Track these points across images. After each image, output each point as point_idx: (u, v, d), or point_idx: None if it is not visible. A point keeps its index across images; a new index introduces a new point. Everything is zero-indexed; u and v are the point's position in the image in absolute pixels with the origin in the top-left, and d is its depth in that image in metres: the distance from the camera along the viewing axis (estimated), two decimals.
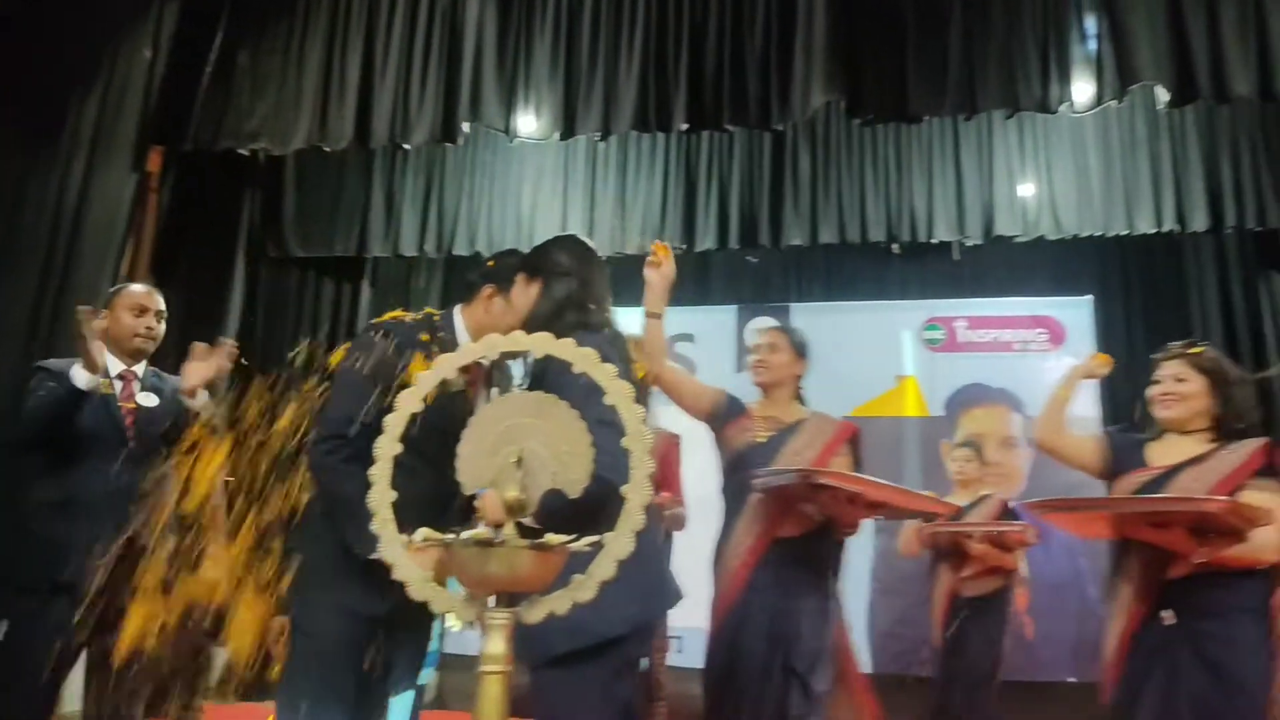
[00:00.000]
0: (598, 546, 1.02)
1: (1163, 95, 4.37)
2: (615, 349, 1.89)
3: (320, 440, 1.97)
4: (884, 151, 5.93)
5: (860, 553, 5.42)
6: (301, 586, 2.06)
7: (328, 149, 5.08)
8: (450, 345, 2.02)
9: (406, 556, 1.04)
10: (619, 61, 4.87)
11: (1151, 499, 2.28)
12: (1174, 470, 2.37)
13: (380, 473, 1.04)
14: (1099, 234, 5.76)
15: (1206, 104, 4.69)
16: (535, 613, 1.03)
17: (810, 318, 5.89)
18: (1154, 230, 5.68)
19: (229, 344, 2.87)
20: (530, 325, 1.92)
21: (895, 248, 6.23)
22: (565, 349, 1.06)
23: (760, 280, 6.83)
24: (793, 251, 6.38)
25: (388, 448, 1.05)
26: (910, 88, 4.47)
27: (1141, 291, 6.50)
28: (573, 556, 1.04)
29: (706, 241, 6.10)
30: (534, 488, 1.06)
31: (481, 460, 1.07)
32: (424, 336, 2.03)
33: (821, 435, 2.95)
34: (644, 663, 3.23)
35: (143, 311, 2.95)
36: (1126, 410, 6.21)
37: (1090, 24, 4.42)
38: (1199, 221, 5.61)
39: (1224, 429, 2.41)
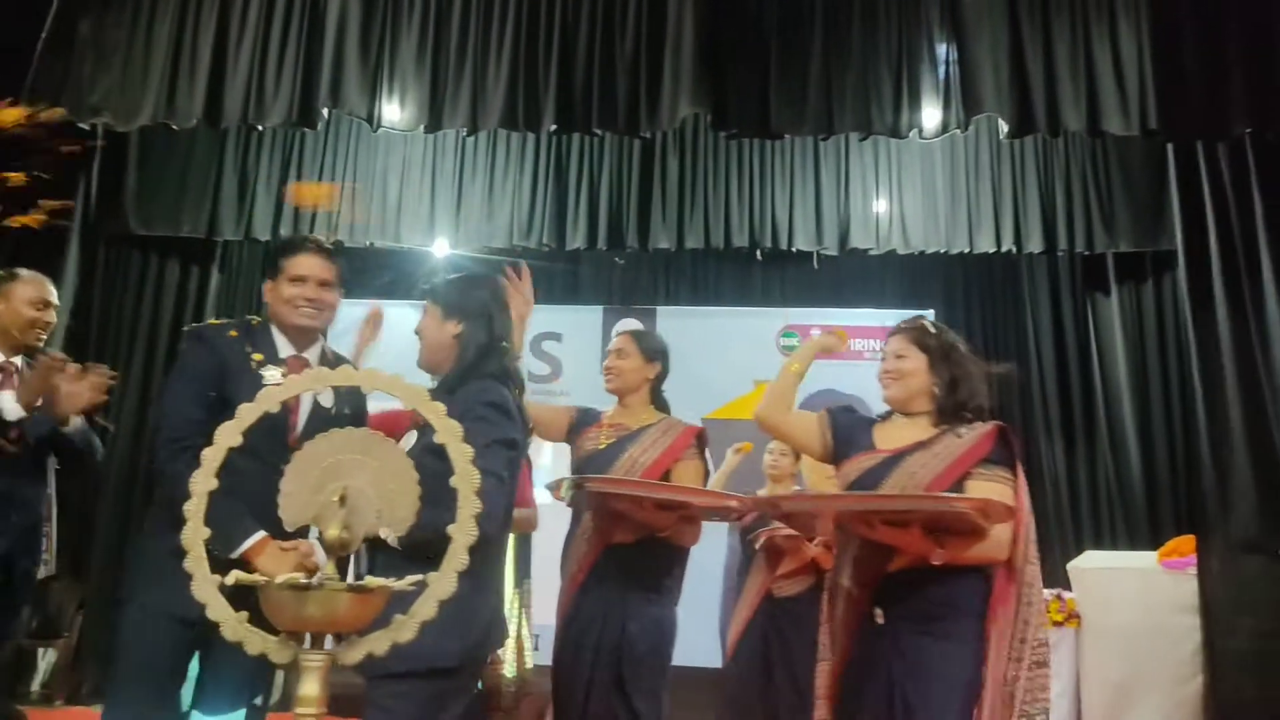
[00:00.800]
0: (421, 586, 1.03)
1: (1004, 126, 4.65)
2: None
3: (163, 445, 2.01)
4: (749, 162, 6.10)
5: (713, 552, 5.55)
6: (128, 592, 2.01)
7: (175, 127, 4.83)
8: (269, 354, 2.07)
9: (218, 597, 1.02)
10: (488, 57, 4.81)
11: (899, 497, 2.11)
12: (900, 455, 2.18)
13: (195, 509, 1.01)
14: (944, 250, 6.11)
15: (1043, 135, 4.99)
16: (353, 654, 1.03)
17: (675, 321, 6.00)
18: (994, 249, 6.06)
19: (104, 371, 2.70)
20: (458, 368, 1.94)
21: (759, 255, 6.43)
22: (396, 386, 1.05)
23: (628, 282, 6.90)
24: (660, 255, 6.48)
25: (203, 483, 1.02)
26: (773, 106, 4.60)
27: (981, 306, 6.90)
28: (396, 596, 1.04)
29: (575, 241, 6.13)
30: (358, 525, 1.06)
31: (305, 496, 1.06)
32: (248, 348, 2.10)
33: (664, 440, 2.89)
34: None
35: (44, 305, 2.82)
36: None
37: (940, 56, 4.66)
38: (1034, 243, 6.03)
39: (946, 412, 2.22)
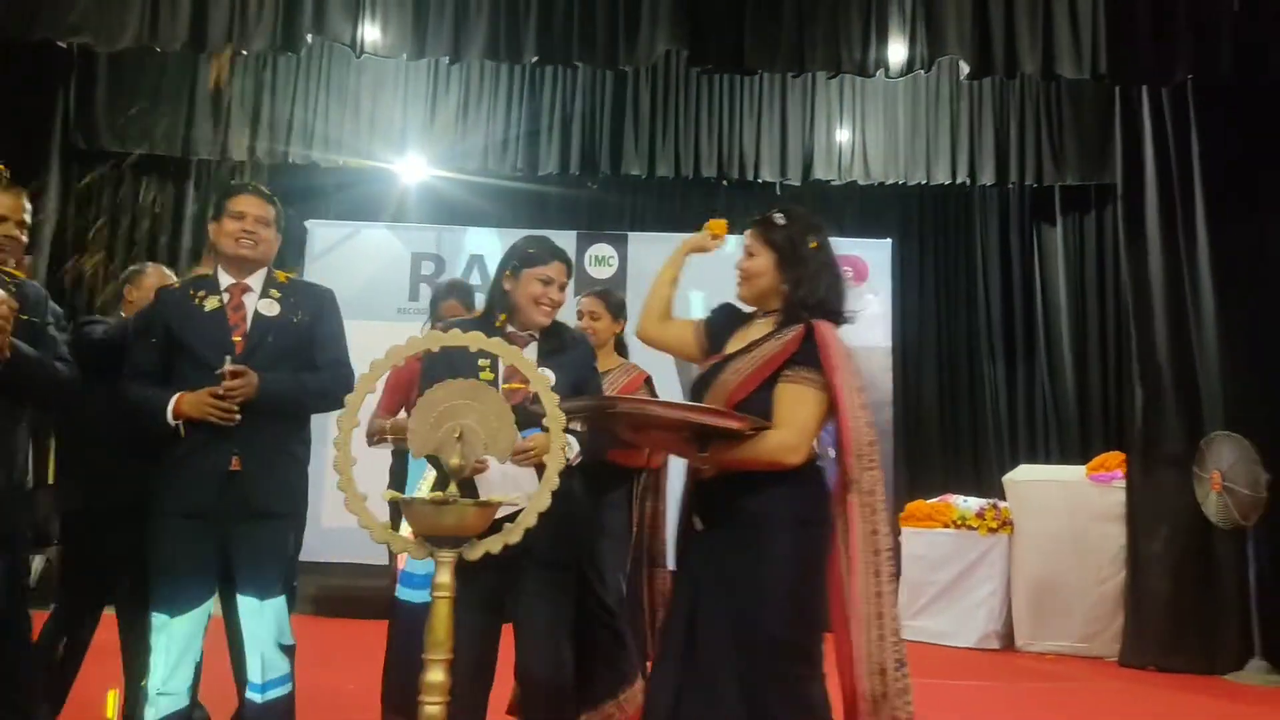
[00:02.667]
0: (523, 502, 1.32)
1: (964, 67, 4.89)
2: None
3: (122, 378, 2.42)
4: (718, 94, 6.29)
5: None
6: (145, 502, 2.34)
7: (158, 49, 4.86)
8: (211, 288, 2.43)
9: (365, 508, 1.31)
10: None
11: (608, 398, 2.18)
12: (731, 358, 2.07)
13: (344, 440, 1.29)
14: (902, 182, 6.41)
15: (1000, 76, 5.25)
16: (474, 552, 1.32)
17: (645, 246, 6.20)
18: (949, 181, 6.39)
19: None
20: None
21: (725, 183, 6.66)
22: (500, 347, 1.33)
23: (599, 207, 7.06)
24: (630, 182, 6.68)
25: (348, 421, 1.30)
26: (746, 44, 4.78)
27: (934, 236, 7.24)
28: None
29: (548, 166, 6.30)
30: (470, 455, 1.34)
31: (426, 433, 1.34)
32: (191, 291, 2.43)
33: (617, 383, 3.14)
34: None
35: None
36: (931, 339, 7.09)
37: None
38: (987, 176, 6.36)
39: (791, 311, 2.06)
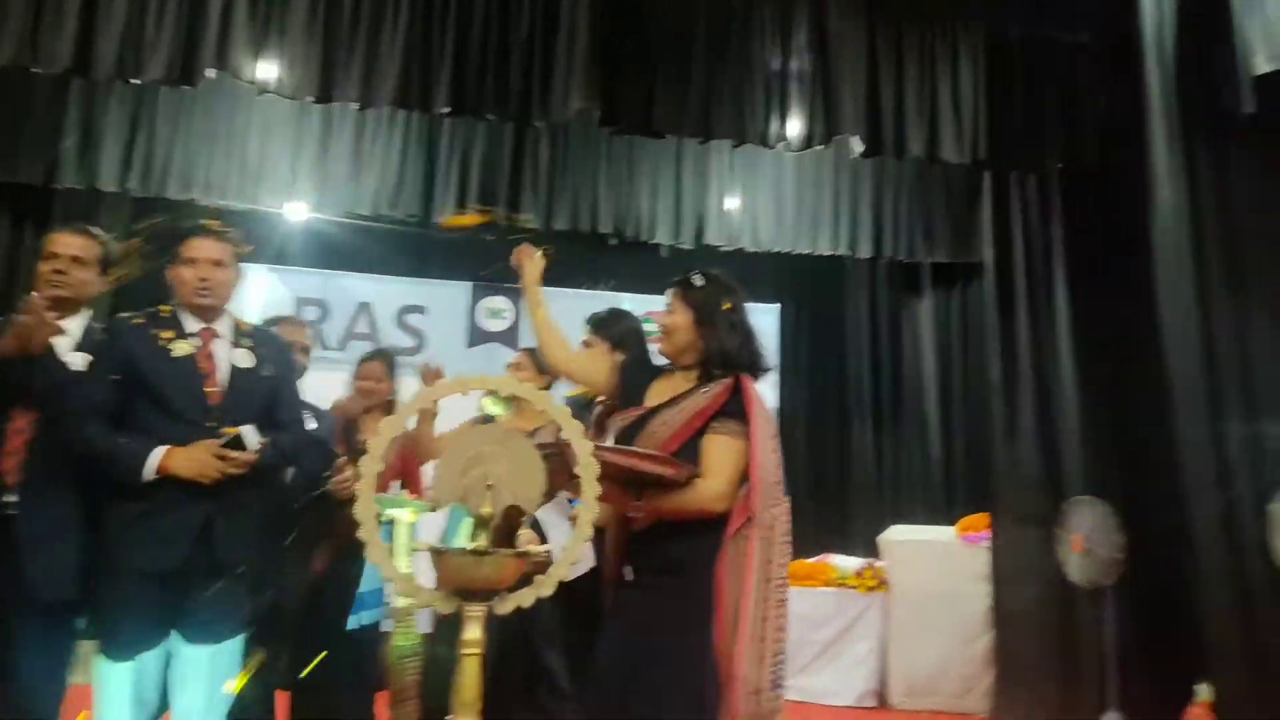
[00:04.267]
0: (557, 553, 1.29)
1: (857, 146, 5.20)
2: None
3: (72, 415, 2.28)
4: (617, 153, 6.41)
5: None
6: (103, 556, 2.20)
7: (39, 71, 4.55)
8: (179, 330, 2.35)
9: (389, 561, 1.25)
10: (381, 32, 4.82)
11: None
12: (654, 411, 2.19)
13: (366, 489, 1.23)
14: (789, 251, 6.69)
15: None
16: (505, 606, 1.28)
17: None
18: (830, 252, 6.70)
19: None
20: None
21: (613, 242, 6.75)
22: (530, 393, 1.31)
23: (484, 258, 7.00)
24: (525, 236, 6.66)
25: (370, 466, 1.24)
26: (656, 109, 4.93)
27: (811, 303, 7.57)
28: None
29: (444, 214, 6.21)
30: (499, 504, 1.31)
31: (453, 480, 1.30)
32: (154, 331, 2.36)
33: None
34: None
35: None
36: (806, 402, 7.37)
37: (807, 77, 5.13)
38: (865, 249, 6.71)
39: (709, 367, 2.22)
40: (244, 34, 4.65)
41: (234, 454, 2.13)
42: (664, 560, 2.07)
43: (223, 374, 2.29)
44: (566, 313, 6.39)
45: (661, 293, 7.18)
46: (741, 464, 2.09)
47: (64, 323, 2.33)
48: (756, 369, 2.27)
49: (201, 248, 2.35)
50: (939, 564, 5.69)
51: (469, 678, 1.23)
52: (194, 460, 2.12)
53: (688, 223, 6.48)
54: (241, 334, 2.39)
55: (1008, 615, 5.28)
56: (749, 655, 1.98)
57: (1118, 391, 5.31)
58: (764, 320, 6.67)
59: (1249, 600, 4.27)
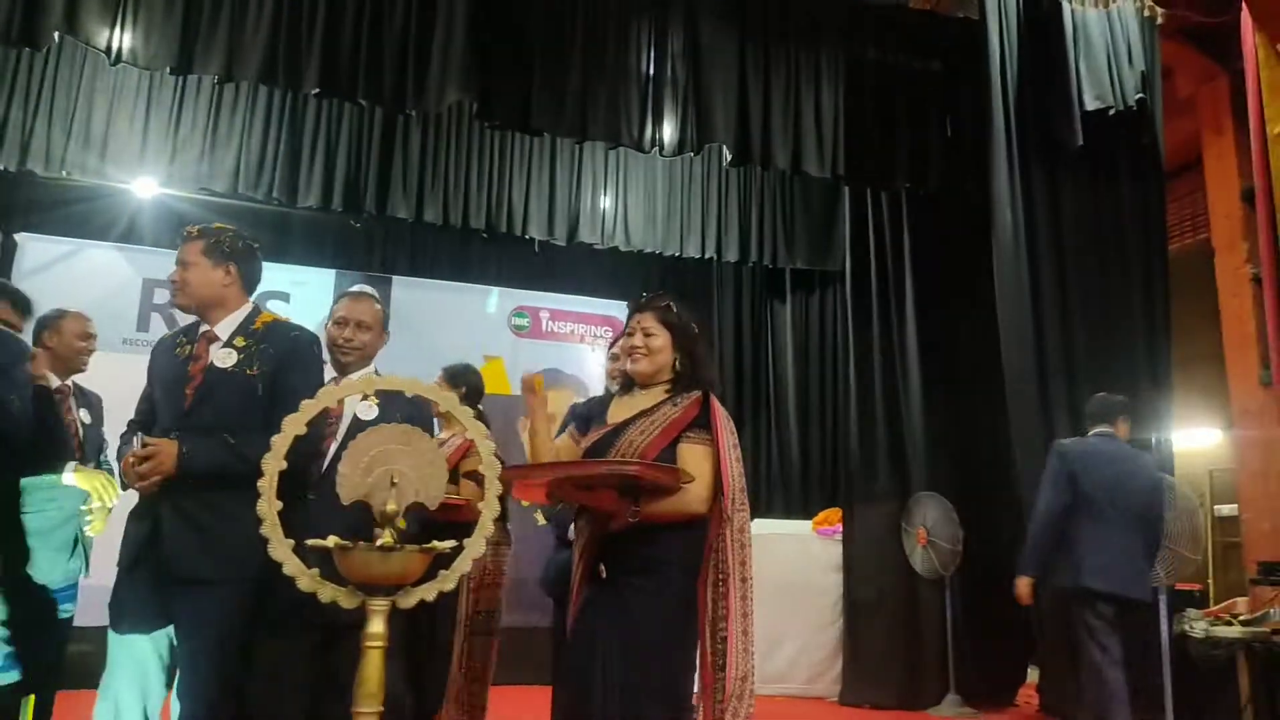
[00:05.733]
0: (459, 549, 1.32)
1: (727, 154, 5.37)
2: None
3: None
4: (489, 148, 6.36)
5: None
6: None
7: None
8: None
9: (292, 556, 1.25)
10: (248, 4, 4.65)
11: (571, 463, 2.30)
12: (626, 424, 2.35)
13: (268, 485, 1.23)
14: (658, 251, 6.82)
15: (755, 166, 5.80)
16: (409, 600, 1.30)
17: (409, 291, 6.14)
18: (699, 255, 6.88)
19: None
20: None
21: (484, 234, 6.71)
22: (432, 392, 1.33)
23: (349, 246, 6.83)
24: (392, 224, 6.54)
25: (273, 464, 1.24)
26: (534, 106, 4.94)
27: (677, 304, 7.72)
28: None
29: (309, 199, 5.99)
30: (402, 501, 1.32)
31: (357, 478, 1.30)
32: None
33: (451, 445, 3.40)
34: None
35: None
36: None
37: (680, 85, 5.26)
38: (731, 254, 6.94)
39: (682, 384, 2.39)
40: None
41: (141, 468, 2.05)
42: (639, 559, 2.23)
43: (202, 376, 2.25)
44: (445, 305, 6.48)
45: (534, 287, 7.22)
46: (715, 470, 2.28)
47: (218, 327, 2.35)
48: (714, 385, 2.47)
49: (179, 251, 2.34)
50: (794, 555, 5.95)
51: (372, 669, 1.25)
52: (125, 467, 2.14)
53: (561, 219, 6.50)
54: (244, 332, 2.30)
55: (857, 604, 5.59)
56: (737, 647, 2.18)
57: (959, 395, 5.70)
58: None
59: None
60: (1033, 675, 5.47)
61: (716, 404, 2.36)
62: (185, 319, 2.45)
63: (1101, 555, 3.84)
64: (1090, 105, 4.95)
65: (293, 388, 2.16)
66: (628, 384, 2.48)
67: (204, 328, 2.30)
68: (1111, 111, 4.97)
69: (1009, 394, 4.92)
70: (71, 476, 2.73)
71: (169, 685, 2.22)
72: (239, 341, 2.27)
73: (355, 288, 2.64)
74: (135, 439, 2.14)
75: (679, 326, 2.44)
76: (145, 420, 2.29)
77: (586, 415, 2.51)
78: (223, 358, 2.22)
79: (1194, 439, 7.26)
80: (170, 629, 2.17)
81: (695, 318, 2.53)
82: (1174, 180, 6.30)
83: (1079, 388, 4.90)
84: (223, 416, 2.16)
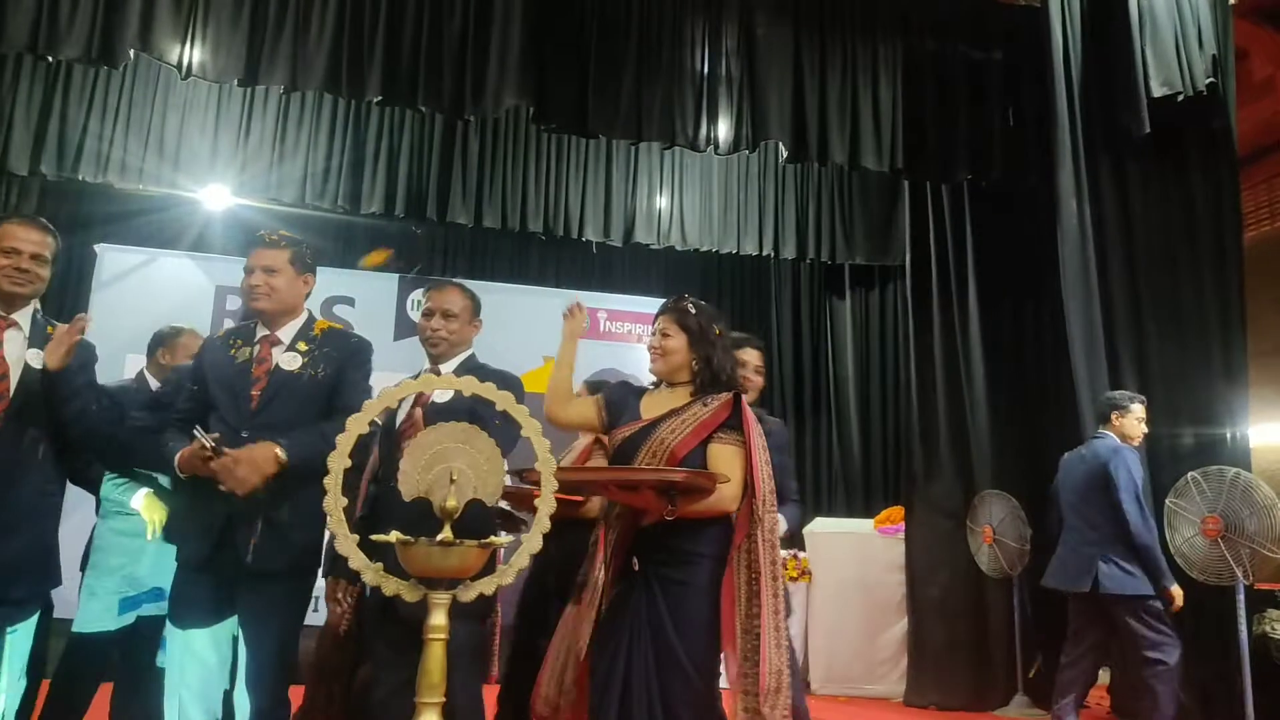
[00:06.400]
0: (517, 543, 1.35)
1: (783, 151, 5.34)
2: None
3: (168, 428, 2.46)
4: (546, 151, 6.43)
5: None
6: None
7: None
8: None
9: (358, 551, 1.29)
10: (310, 16, 4.78)
11: (622, 470, 2.37)
12: (657, 422, 2.42)
13: (334, 483, 1.27)
14: (715, 249, 6.82)
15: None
16: (469, 594, 1.33)
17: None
18: (755, 253, 6.86)
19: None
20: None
21: (543, 238, 6.79)
22: (488, 391, 1.36)
23: (412, 251, 6.98)
24: (452, 229, 6.65)
25: (338, 462, 1.28)
26: (590, 109, 4.98)
27: (733, 300, 7.73)
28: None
29: (372, 206, 6.13)
30: (461, 497, 1.36)
31: (418, 475, 1.34)
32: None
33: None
34: None
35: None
36: None
37: (735, 83, 5.25)
38: (789, 250, 6.89)
39: (703, 384, 2.46)
40: (168, 15, 4.55)
41: (212, 453, 2.13)
42: (669, 553, 2.31)
43: (268, 378, 2.34)
44: (504, 307, 6.55)
45: (591, 288, 7.29)
46: (745, 469, 2.34)
47: (280, 331, 2.41)
48: (738, 385, 2.52)
49: (257, 256, 2.41)
50: (857, 554, 5.89)
51: (434, 661, 1.29)
52: (188, 461, 2.19)
53: (617, 221, 6.54)
54: (305, 337, 2.41)
55: (921, 604, 5.51)
56: (769, 641, 2.22)
57: (1025, 393, 5.58)
58: None
59: None
60: (1104, 676, 5.32)
61: (747, 407, 2.42)
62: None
63: (1058, 552, 4.23)
64: (1157, 92, 4.80)
65: (352, 381, 2.32)
66: (658, 381, 2.58)
67: (264, 332, 2.39)
68: (1180, 97, 4.82)
69: (1078, 390, 4.81)
70: (140, 501, 2.85)
71: (231, 680, 2.30)
72: (301, 346, 2.36)
73: (439, 280, 2.68)
74: (201, 434, 2.16)
75: (694, 329, 2.50)
76: (191, 417, 2.33)
77: (619, 402, 2.57)
78: (288, 361, 2.31)
79: (1273, 433, 7.00)
80: (231, 623, 2.25)
81: (720, 320, 2.58)
82: (1250, 165, 6.10)
83: (1150, 384, 4.77)
84: (290, 417, 2.25)
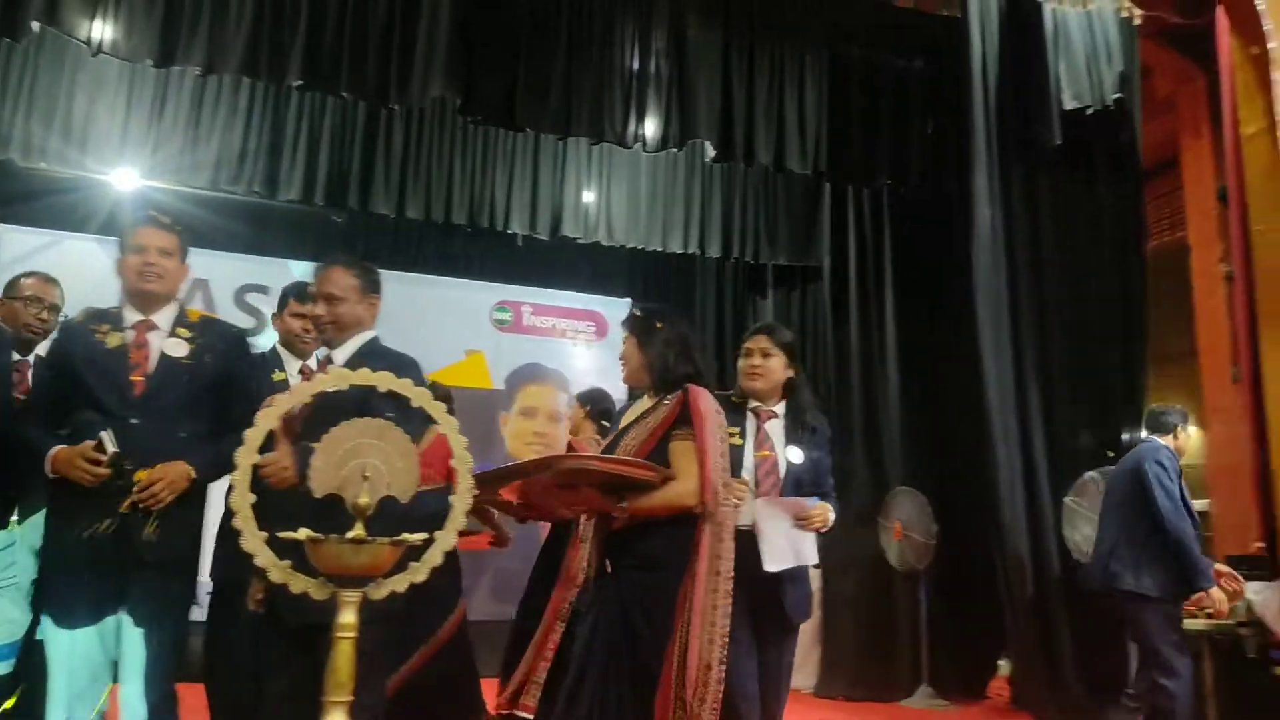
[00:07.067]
0: (430, 541, 1.35)
1: (710, 150, 5.39)
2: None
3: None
4: (473, 142, 6.35)
5: None
6: None
7: None
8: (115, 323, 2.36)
9: (265, 548, 1.27)
10: None
11: (530, 463, 2.45)
12: (626, 429, 2.47)
13: (241, 480, 1.25)
14: (641, 246, 6.84)
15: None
16: (380, 591, 1.33)
17: (390, 286, 5.99)
18: (681, 251, 6.90)
19: None
20: None
21: (468, 230, 6.72)
22: (404, 387, 1.35)
23: (331, 240, 6.81)
24: (363, 215, 6.51)
25: (246, 459, 1.26)
26: (519, 102, 4.96)
27: (659, 298, 7.75)
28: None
29: (290, 193, 5.97)
30: (375, 494, 1.35)
31: (331, 471, 1.33)
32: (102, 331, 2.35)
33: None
34: None
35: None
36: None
37: (665, 81, 5.28)
38: (714, 249, 6.94)
39: (661, 385, 2.48)
40: None
41: (100, 456, 2.06)
42: (638, 555, 2.33)
43: (153, 360, 2.27)
44: (426, 300, 6.48)
45: (517, 282, 7.23)
46: (703, 465, 2.32)
47: (156, 316, 2.36)
48: (696, 379, 2.51)
49: (151, 236, 2.35)
50: None
51: (342, 659, 1.28)
52: (65, 463, 2.11)
53: (544, 214, 6.51)
54: (184, 324, 2.35)
55: (833, 598, 5.63)
56: (701, 635, 2.22)
57: (936, 391, 5.76)
58: (615, 314, 6.81)
59: (1044, 584, 4.74)
60: (1005, 668, 5.54)
61: (697, 398, 2.41)
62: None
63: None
64: (1069, 104, 5.00)
65: (245, 385, 2.32)
66: (637, 392, 2.62)
67: (137, 316, 2.32)
68: (1090, 111, 5.02)
69: (985, 390, 4.97)
70: None
71: (114, 676, 2.25)
72: (183, 332, 2.32)
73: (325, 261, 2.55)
74: (106, 436, 2.10)
75: (640, 332, 2.54)
76: (54, 409, 2.25)
77: (615, 418, 2.67)
78: (173, 347, 2.28)
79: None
80: (115, 620, 2.19)
81: (662, 315, 2.61)
82: (1153, 179, 6.37)
83: (1054, 385, 4.97)
84: (179, 404, 2.23)
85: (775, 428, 2.74)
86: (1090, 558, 4.06)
